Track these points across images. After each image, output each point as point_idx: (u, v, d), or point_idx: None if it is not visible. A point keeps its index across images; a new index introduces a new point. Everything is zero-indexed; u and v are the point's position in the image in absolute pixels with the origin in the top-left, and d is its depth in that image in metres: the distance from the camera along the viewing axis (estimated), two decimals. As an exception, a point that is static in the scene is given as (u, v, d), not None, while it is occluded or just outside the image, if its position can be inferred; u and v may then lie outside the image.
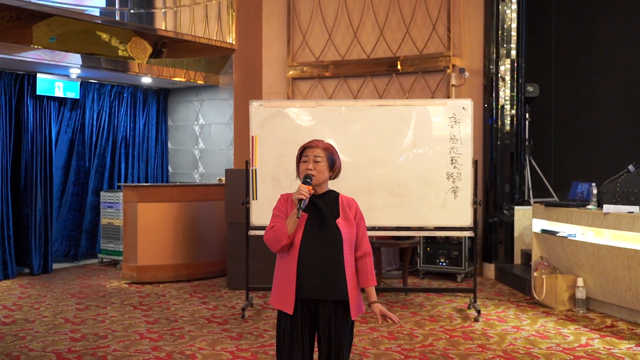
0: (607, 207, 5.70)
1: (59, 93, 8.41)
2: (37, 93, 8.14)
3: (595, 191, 6.07)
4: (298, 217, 2.88)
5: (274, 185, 5.95)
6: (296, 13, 9.34)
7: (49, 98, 8.38)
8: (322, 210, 2.96)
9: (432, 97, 8.49)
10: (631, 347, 4.88)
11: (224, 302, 6.50)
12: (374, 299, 3.03)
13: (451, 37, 8.50)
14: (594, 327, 5.50)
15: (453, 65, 8.46)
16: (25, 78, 8.08)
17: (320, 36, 9.25)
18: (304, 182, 2.93)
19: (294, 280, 2.88)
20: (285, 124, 6.05)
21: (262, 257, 6.32)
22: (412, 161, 6.03)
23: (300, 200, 2.87)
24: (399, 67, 8.76)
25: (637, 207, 5.59)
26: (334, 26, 9.17)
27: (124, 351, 4.82)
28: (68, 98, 8.68)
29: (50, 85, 8.30)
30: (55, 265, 8.23)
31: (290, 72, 9.30)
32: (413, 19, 8.78)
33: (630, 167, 5.92)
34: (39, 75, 8.13)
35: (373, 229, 6.16)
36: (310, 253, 2.89)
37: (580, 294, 5.98)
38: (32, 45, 7.18)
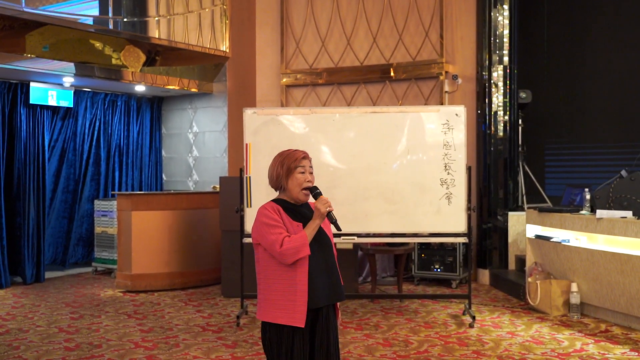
0: (600, 213, 5.72)
1: (52, 102, 8.40)
2: (31, 102, 8.12)
3: (588, 196, 6.10)
4: (339, 230, 2.93)
5: (268, 193, 5.86)
6: (289, 21, 9.37)
7: (42, 107, 8.36)
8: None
9: (425, 104, 8.52)
10: (625, 352, 4.90)
11: (219, 310, 6.48)
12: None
13: (444, 44, 8.54)
14: (589, 332, 5.51)
15: (446, 72, 8.49)
16: (19, 87, 8.06)
17: (313, 44, 9.28)
18: (317, 195, 2.91)
19: (306, 291, 2.82)
20: (279, 131, 6.06)
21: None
22: (406, 168, 6.04)
23: (329, 212, 2.87)
24: (392, 74, 8.79)
25: (630, 212, 5.62)
26: (327, 34, 9.20)
27: (119, 360, 4.81)
28: (61, 107, 8.67)
29: (44, 94, 8.29)
30: (46, 274, 8.17)
31: (284, 80, 9.32)
32: (406, 26, 8.82)
33: (623, 173, 5.94)
34: (32, 84, 8.11)
35: (367, 235, 6.17)
36: (316, 262, 2.87)
37: (575, 299, 6.00)
38: (25, 54, 7.17)
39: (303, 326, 2.81)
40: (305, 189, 2.94)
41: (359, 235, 6.11)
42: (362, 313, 6.21)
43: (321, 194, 2.91)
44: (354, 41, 9.09)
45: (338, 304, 3.04)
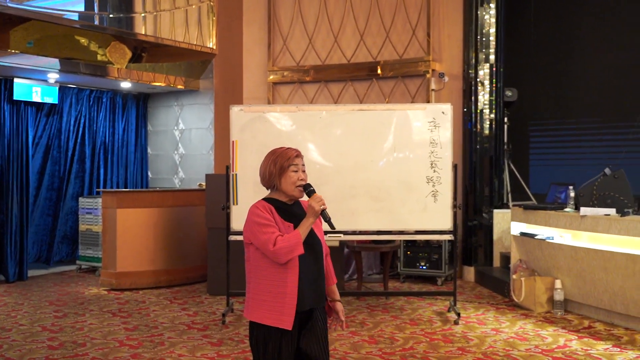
0: (584, 210, 5.77)
1: (36, 98, 8.32)
2: (15, 98, 8.04)
3: (572, 194, 6.15)
4: (333, 228, 2.89)
5: (255, 190, 5.87)
6: (277, 18, 9.35)
7: (27, 103, 8.28)
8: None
9: (412, 102, 8.54)
10: (608, 348, 4.94)
11: (204, 308, 6.46)
12: (339, 297, 3.12)
13: (431, 42, 8.56)
14: (572, 328, 5.56)
15: (433, 70, 8.51)
16: (2, 83, 7.98)
17: (300, 41, 9.27)
18: (311, 192, 2.87)
19: (295, 294, 2.79)
20: (266, 128, 6.05)
21: (243, 262, 6.28)
22: (393, 165, 6.06)
23: (323, 210, 2.84)
24: (379, 71, 8.80)
25: (614, 209, 5.66)
26: (315, 31, 9.19)
27: (103, 359, 4.77)
28: (46, 103, 8.59)
29: (28, 90, 8.21)
30: (29, 272, 8.09)
31: (271, 77, 9.31)
32: (393, 24, 8.84)
33: (607, 171, 6.00)
34: (16, 80, 8.03)
35: (354, 233, 6.18)
36: (307, 265, 2.84)
37: (559, 296, 6.04)
38: (9, 50, 7.10)
39: (290, 329, 2.78)
40: (298, 186, 2.92)
41: (345, 233, 6.12)
42: (348, 310, 6.21)
43: (315, 192, 2.88)
44: (342, 39, 9.09)
45: (341, 305, 3.07)
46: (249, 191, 5.94)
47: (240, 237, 5.88)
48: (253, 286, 2.88)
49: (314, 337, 2.88)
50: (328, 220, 2.88)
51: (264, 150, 5.97)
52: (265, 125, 6.06)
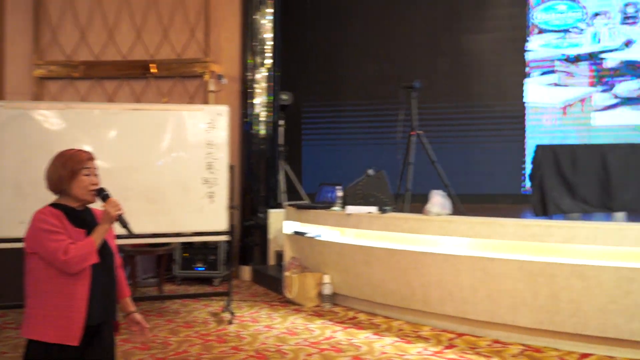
0: (349, 208, 6.23)
1: None
2: None
3: (340, 194, 6.60)
4: (132, 234, 2.76)
5: (16, 194, 5.46)
6: (44, 7, 8.69)
7: None
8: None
9: (191, 102, 8.50)
10: (368, 336, 5.39)
11: (-46, 326, 5.80)
12: (135, 308, 3.01)
13: (210, 43, 8.59)
14: (338, 320, 5.97)
15: (212, 72, 8.56)
16: None
17: (71, 34, 8.71)
18: (106, 197, 2.73)
19: (84, 307, 2.61)
20: (30, 127, 5.59)
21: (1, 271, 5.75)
22: (169, 167, 5.97)
23: (120, 215, 2.70)
24: (155, 70, 8.60)
25: (375, 207, 6.19)
26: (88, 24, 8.71)
27: None
28: None
29: None
30: None
31: (37, 71, 8.61)
32: (172, 24, 8.71)
33: (370, 172, 6.54)
34: None
35: (128, 236, 5.97)
36: (98, 275, 2.67)
37: (327, 290, 6.45)
38: None
39: (77, 344, 2.60)
40: (91, 191, 2.75)
41: (119, 237, 5.86)
42: (120, 317, 5.99)
43: (109, 196, 2.75)
44: (117, 34, 8.73)
45: (139, 314, 2.96)
46: (8, 194, 5.45)
47: (-3, 245, 5.38)
48: (35, 300, 2.63)
49: (101, 353, 2.75)
50: (126, 226, 2.78)
51: (28, 150, 5.57)
52: (29, 124, 5.59)
